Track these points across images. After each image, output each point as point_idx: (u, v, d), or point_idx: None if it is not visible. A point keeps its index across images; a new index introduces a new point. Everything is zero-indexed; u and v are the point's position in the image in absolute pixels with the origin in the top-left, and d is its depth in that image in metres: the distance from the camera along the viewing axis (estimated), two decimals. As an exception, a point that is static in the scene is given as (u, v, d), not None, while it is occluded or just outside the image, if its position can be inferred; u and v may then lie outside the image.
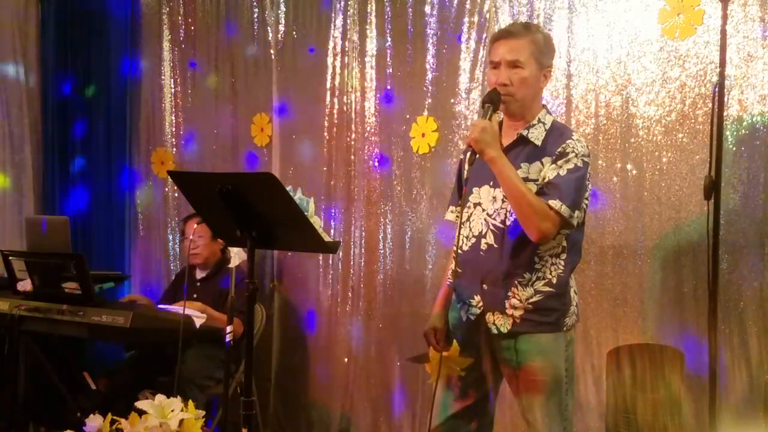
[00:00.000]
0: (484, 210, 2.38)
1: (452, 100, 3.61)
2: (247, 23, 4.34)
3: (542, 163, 2.31)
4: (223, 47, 4.46)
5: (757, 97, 2.88)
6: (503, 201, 2.33)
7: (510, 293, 2.33)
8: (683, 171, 3.03)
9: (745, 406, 2.85)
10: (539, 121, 2.38)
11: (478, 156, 2.24)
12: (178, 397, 2.20)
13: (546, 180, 2.27)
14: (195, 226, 3.58)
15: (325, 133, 4.05)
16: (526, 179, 2.29)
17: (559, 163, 2.27)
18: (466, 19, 3.54)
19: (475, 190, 2.42)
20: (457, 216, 2.53)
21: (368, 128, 3.90)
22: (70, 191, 5.10)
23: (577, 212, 2.25)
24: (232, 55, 4.43)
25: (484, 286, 2.37)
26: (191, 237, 3.91)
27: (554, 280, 2.33)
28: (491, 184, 2.36)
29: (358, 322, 3.93)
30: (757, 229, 2.88)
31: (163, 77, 4.70)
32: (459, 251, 2.42)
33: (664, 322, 3.05)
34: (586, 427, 3.20)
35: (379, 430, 3.85)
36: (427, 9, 3.67)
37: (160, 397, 2.19)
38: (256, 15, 4.30)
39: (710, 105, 2.75)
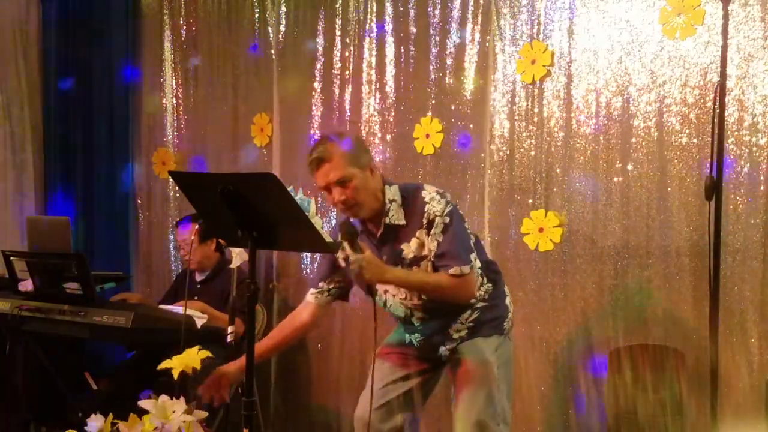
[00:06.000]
0: (394, 296, 2.50)
1: (456, 101, 3.61)
2: (247, 23, 4.35)
3: (418, 237, 2.40)
4: (224, 47, 4.46)
5: (758, 97, 2.88)
6: None
7: (452, 322, 2.50)
8: (684, 171, 3.03)
9: (745, 407, 2.85)
10: (390, 201, 2.44)
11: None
12: (182, 397, 2.20)
13: (433, 253, 2.37)
14: (191, 230, 3.59)
15: (327, 134, 4.05)
16: (416, 258, 2.39)
17: (432, 232, 2.37)
18: (470, 19, 3.54)
19: None
20: (316, 297, 2.59)
21: (370, 129, 3.90)
22: (72, 191, 5.10)
23: (471, 255, 2.39)
24: (232, 55, 4.43)
25: (427, 337, 2.55)
26: (180, 243, 3.94)
27: (486, 296, 2.51)
28: None
29: (358, 322, 3.93)
30: (757, 229, 2.88)
31: (164, 77, 4.71)
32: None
33: (665, 322, 3.05)
34: (586, 427, 3.20)
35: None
36: (430, 10, 3.67)
37: (163, 397, 2.19)
38: (257, 15, 4.30)
39: (711, 105, 2.75)
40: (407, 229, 2.41)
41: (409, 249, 2.40)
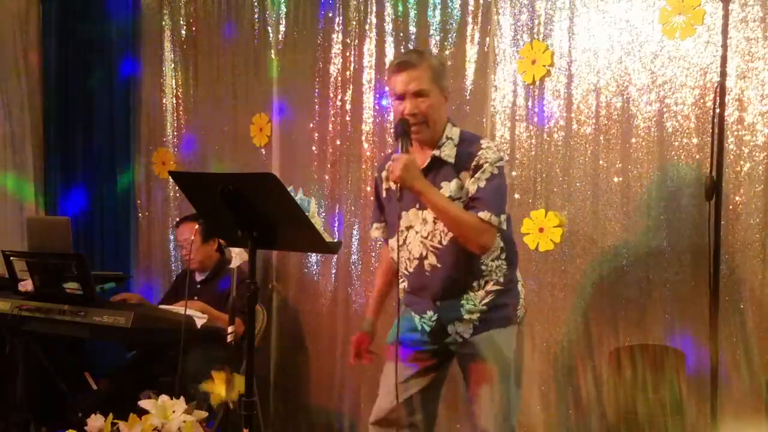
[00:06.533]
0: (417, 232, 2.47)
1: (457, 101, 3.60)
2: (247, 23, 4.35)
3: (460, 179, 2.40)
4: (224, 47, 4.47)
5: (758, 97, 2.88)
6: (434, 222, 2.43)
7: (463, 301, 2.46)
8: (684, 171, 3.03)
9: (745, 407, 2.85)
10: (447, 137, 2.45)
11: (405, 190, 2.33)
12: (182, 397, 2.21)
13: (469, 194, 2.37)
14: (192, 229, 3.60)
15: (326, 134, 4.06)
16: (451, 198, 2.38)
17: (477, 175, 2.37)
18: (470, 19, 3.54)
19: (403, 214, 2.49)
20: (382, 231, 2.69)
21: (369, 129, 3.90)
22: (72, 191, 5.10)
23: (502, 216, 2.37)
24: (232, 55, 4.44)
25: (437, 303, 2.49)
26: (181, 243, 3.94)
27: (501, 279, 2.48)
28: (417, 206, 2.46)
29: (359, 323, 3.93)
30: (757, 229, 2.88)
31: (164, 77, 4.71)
32: (405, 272, 2.54)
33: (665, 322, 3.05)
34: (586, 427, 3.20)
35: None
36: (429, 10, 3.67)
37: (163, 397, 2.20)
38: (256, 15, 4.31)
39: (711, 105, 2.75)
40: (452, 168, 2.41)
41: (447, 187, 2.39)
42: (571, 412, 3.25)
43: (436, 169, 2.43)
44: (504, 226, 2.40)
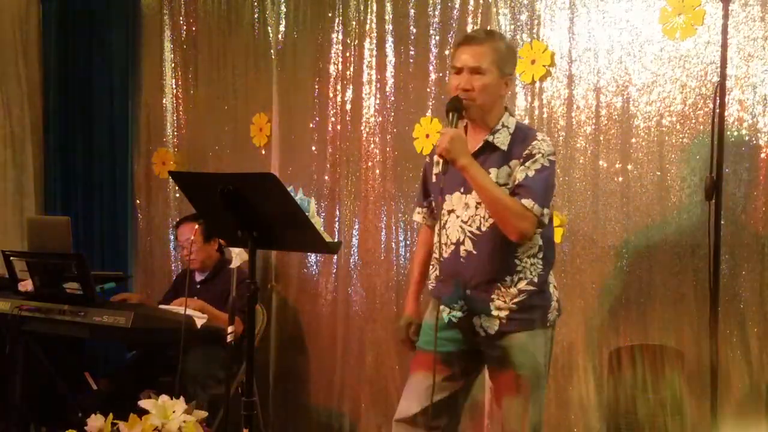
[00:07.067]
0: (458, 217, 2.44)
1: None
2: (247, 23, 4.35)
3: (510, 167, 2.37)
4: (224, 47, 4.47)
5: (758, 97, 2.87)
6: (476, 207, 2.39)
7: (494, 296, 2.40)
8: (684, 171, 3.03)
9: (745, 407, 2.85)
10: (503, 125, 2.43)
11: (450, 165, 2.29)
12: (182, 397, 2.21)
13: (516, 182, 2.33)
14: (193, 229, 3.60)
15: (326, 134, 4.06)
16: (497, 185, 2.35)
17: (527, 164, 2.33)
18: (470, 20, 3.54)
19: (447, 197, 2.46)
20: (423, 216, 2.68)
21: (370, 129, 3.90)
22: (72, 191, 5.10)
23: (546, 210, 2.33)
24: (232, 55, 4.44)
25: (467, 291, 2.43)
26: (182, 243, 3.94)
27: (536, 279, 2.41)
28: (462, 190, 2.42)
29: (359, 322, 3.93)
30: (757, 229, 2.88)
31: (164, 77, 4.71)
32: (440, 258, 2.49)
33: (665, 322, 3.05)
34: (586, 427, 3.20)
35: (379, 431, 3.85)
36: (430, 10, 3.67)
37: (163, 397, 2.20)
38: (256, 15, 4.31)
39: (711, 105, 2.75)
40: (503, 155, 2.38)
41: (495, 174, 2.36)
42: (571, 412, 3.25)
43: (486, 153, 2.40)
44: (545, 221, 2.35)
